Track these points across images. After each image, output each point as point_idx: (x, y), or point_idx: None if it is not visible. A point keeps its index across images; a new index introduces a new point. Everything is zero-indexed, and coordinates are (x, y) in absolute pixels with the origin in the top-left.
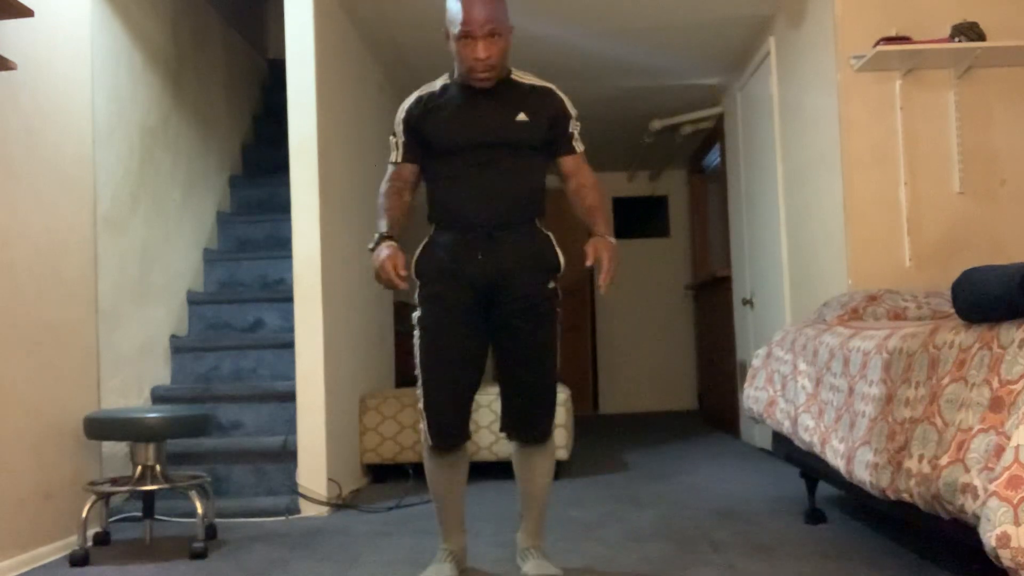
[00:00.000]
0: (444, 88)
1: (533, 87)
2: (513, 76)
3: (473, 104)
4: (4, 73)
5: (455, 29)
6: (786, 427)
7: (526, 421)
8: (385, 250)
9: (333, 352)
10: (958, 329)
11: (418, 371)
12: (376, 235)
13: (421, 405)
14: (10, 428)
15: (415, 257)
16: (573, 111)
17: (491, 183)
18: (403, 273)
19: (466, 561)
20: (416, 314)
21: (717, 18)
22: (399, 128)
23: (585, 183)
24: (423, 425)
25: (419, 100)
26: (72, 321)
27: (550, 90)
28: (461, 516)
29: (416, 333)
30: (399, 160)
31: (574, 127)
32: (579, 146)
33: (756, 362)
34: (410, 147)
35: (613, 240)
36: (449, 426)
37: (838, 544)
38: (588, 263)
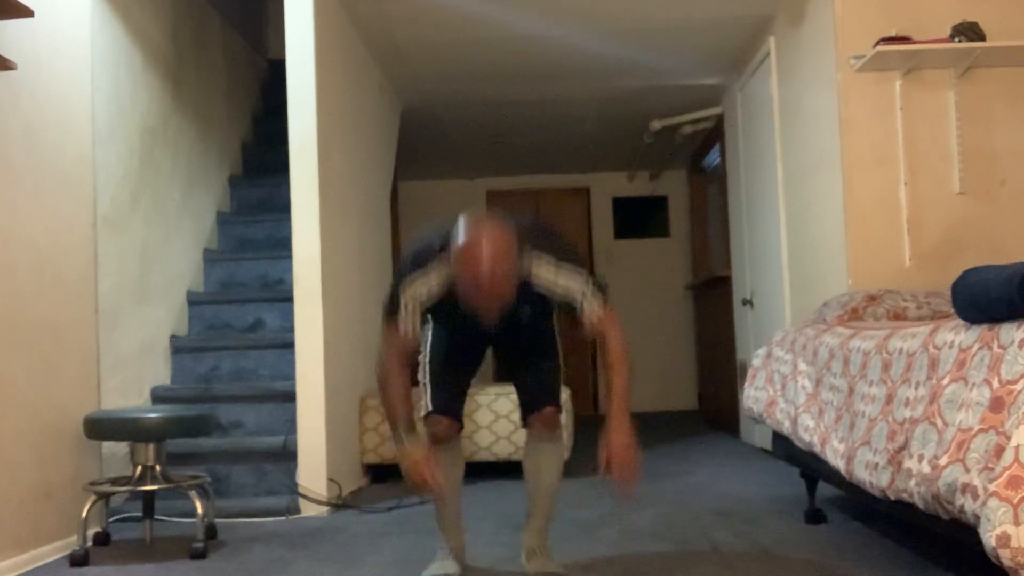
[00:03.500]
0: (445, 285)
1: (543, 285)
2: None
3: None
4: (4, 73)
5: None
6: (786, 427)
7: (532, 395)
8: (419, 449)
9: (333, 352)
10: (958, 329)
11: (425, 355)
12: (404, 435)
13: (426, 380)
14: (10, 428)
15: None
16: (581, 284)
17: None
18: (440, 480)
19: (465, 558)
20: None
21: (717, 18)
22: (408, 303)
23: (607, 347)
24: (425, 398)
25: (428, 289)
26: (72, 321)
27: (557, 284)
28: (459, 513)
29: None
30: (408, 332)
31: (585, 295)
32: (593, 307)
33: (756, 362)
34: (419, 321)
35: (627, 430)
36: (448, 399)
37: (838, 544)
38: (601, 473)
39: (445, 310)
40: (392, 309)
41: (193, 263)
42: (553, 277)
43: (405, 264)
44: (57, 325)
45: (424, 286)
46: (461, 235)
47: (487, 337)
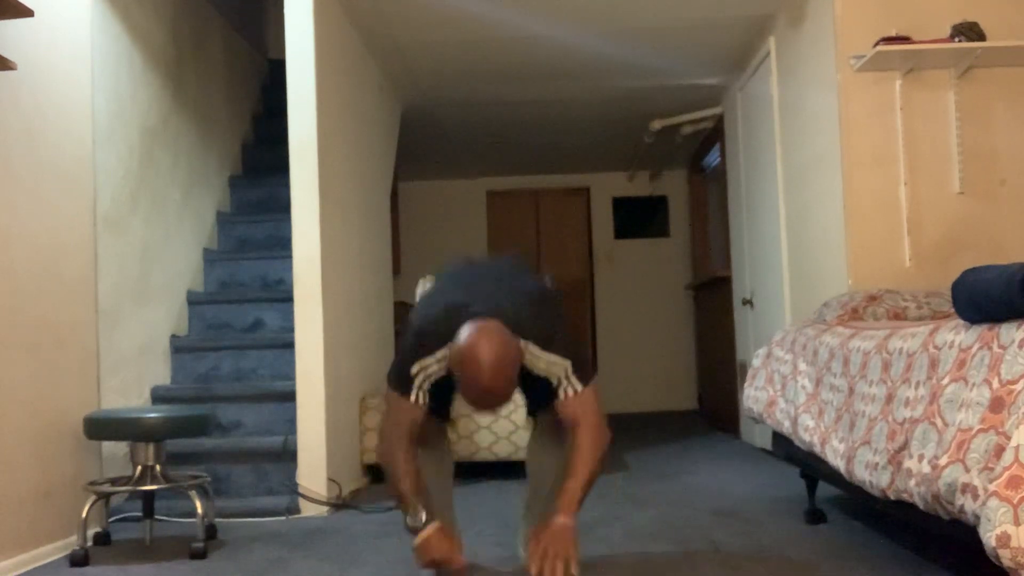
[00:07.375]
0: (445, 370)
1: (533, 369)
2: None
3: None
4: (4, 73)
5: (457, 387)
6: (786, 427)
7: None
8: (439, 534)
9: (333, 352)
10: (958, 329)
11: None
12: (420, 517)
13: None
14: (10, 428)
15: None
16: (560, 371)
17: None
18: (460, 557)
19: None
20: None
21: (717, 18)
22: (419, 377)
23: (576, 437)
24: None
25: (437, 369)
26: (72, 321)
27: (540, 368)
28: (452, 514)
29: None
30: (418, 402)
31: (564, 379)
32: (569, 390)
33: (756, 362)
34: (428, 393)
35: (568, 524)
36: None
37: (838, 544)
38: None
39: (443, 391)
40: (400, 380)
41: (193, 263)
42: (540, 364)
43: (412, 344)
44: (57, 325)
45: (434, 365)
46: (463, 338)
47: None
